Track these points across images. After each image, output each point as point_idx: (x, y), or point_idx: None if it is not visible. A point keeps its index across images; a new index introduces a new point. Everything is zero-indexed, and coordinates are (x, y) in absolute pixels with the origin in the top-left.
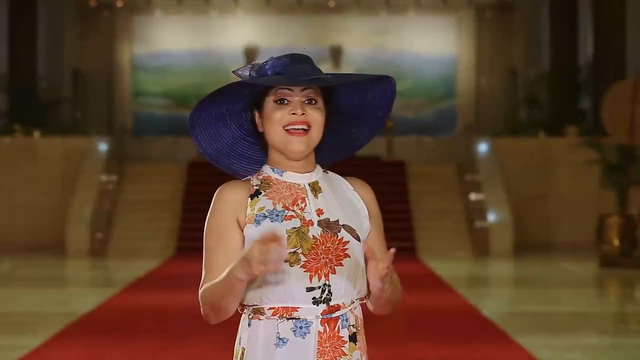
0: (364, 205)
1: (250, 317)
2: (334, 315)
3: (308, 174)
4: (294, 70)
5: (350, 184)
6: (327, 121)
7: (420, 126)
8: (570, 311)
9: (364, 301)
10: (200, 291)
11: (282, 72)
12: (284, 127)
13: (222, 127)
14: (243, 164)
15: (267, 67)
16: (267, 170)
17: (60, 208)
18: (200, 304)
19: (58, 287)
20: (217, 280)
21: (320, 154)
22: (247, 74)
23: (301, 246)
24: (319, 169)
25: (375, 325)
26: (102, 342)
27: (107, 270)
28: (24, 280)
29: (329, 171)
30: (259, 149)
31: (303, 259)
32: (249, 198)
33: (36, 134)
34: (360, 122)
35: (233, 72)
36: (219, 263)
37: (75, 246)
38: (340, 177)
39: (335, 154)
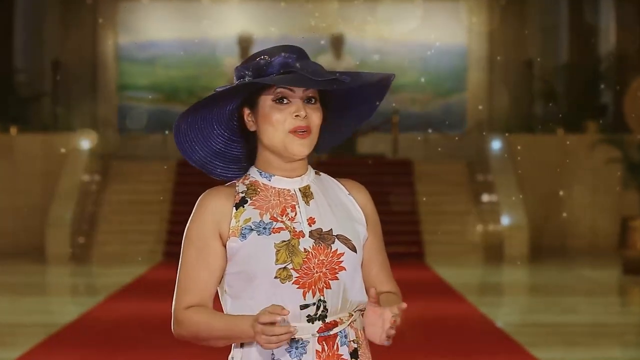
0: (360, 211)
1: None
2: (331, 332)
3: (299, 178)
4: (303, 66)
5: (345, 186)
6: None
7: (428, 122)
8: (590, 322)
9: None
10: (181, 314)
11: (291, 70)
12: (288, 130)
13: (208, 129)
14: (226, 165)
15: (272, 63)
16: (254, 173)
17: (39, 210)
18: (177, 326)
19: (37, 295)
20: (213, 321)
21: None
22: (243, 74)
23: (291, 261)
24: (310, 171)
25: None
26: (85, 354)
27: (90, 276)
28: (0, 288)
29: (321, 173)
30: (241, 148)
31: (295, 274)
32: (234, 207)
33: (14, 130)
34: (348, 112)
35: (234, 68)
36: (199, 282)
37: (55, 251)
38: (333, 179)
39: (321, 145)
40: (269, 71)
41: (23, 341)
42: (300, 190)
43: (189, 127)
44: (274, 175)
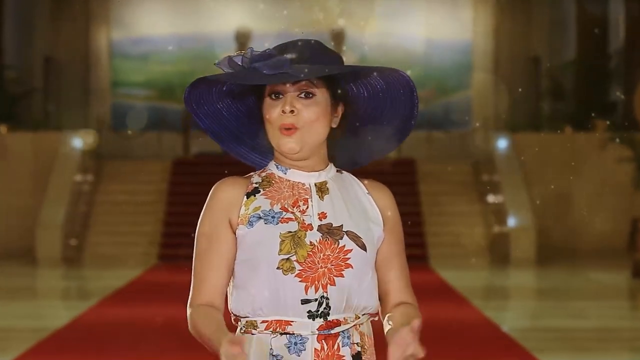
0: (378, 211)
1: (242, 331)
2: (332, 331)
3: (316, 173)
4: (269, 62)
5: (365, 186)
6: (345, 116)
7: (432, 120)
8: (599, 326)
9: (375, 318)
10: (189, 311)
11: (255, 67)
12: (277, 127)
13: (232, 106)
14: (246, 149)
15: (240, 60)
16: (271, 166)
17: (30, 210)
18: (188, 321)
19: (27, 299)
20: (203, 325)
21: (340, 155)
22: (226, 66)
23: (295, 252)
24: (331, 168)
25: (382, 341)
26: None
27: (82, 280)
28: None
29: (344, 171)
30: (264, 139)
31: (298, 267)
32: (245, 196)
33: (3, 129)
34: (378, 127)
35: (215, 64)
36: (208, 272)
37: (46, 253)
38: (354, 178)
39: (356, 158)
40: (237, 68)
41: (13, 346)
42: (316, 185)
43: (204, 101)
44: (290, 169)
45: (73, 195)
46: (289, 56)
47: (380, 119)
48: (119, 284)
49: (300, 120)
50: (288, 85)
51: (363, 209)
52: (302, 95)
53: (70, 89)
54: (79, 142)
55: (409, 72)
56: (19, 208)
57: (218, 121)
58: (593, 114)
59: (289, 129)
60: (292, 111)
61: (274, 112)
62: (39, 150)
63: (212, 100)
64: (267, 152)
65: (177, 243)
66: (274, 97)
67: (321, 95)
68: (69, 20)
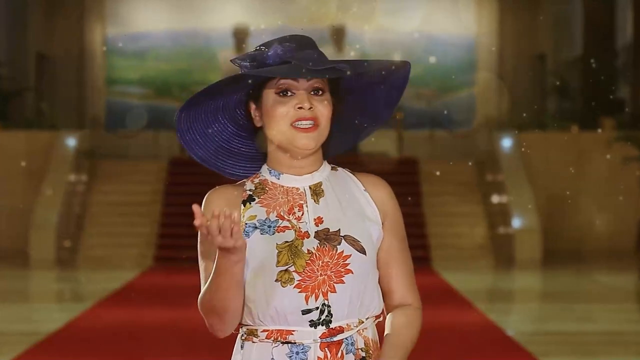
0: (376, 209)
1: (243, 338)
2: (335, 338)
3: (309, 175)
4: (302, 56)
5: (362, 182)
6: (334, 109)
7: (434, 119)
8: (605, 330)
9: (380, 318)
10: (198, 304)
11: (289, 61)
12: (290, 123)
13: (213, 123)
14: (235, 162)
15: (269, 54)
16: (264, 171)
17: (23, 211)
18: (204, 317)
19: (20, 302)
20: (205, 286)
21: (325, 144)
22: (247, 63)
23: (294, 263)
24: (325, 166)
25: None
26: None
27: (77, 282)
28: None
29: (338, 168)
30: (253, 145)
31: (297, 277)
32: (242, 204)
33: None
34: (365, 110)
35: (231, 61)
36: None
37: (39, 255)
38: (350, 174)
39: (338, 144)
40: (266, 63)
41: (5, 351)
42: (310, 188)
43: (192, 121)
44: (283, 174)
45: (67, 195)
46: (311, 51)
47: (361, 107)
48: (114, 286)
49: (317, 114)
50: (300, 82)
51: (360, 208)
52: (312, 92)
53: (64, 86)
54: (73, 141)
55: (411, 70)
56: (11, 209)
57: (204, 138)
58: (599, 113)
59: (309, 125)
60: (310, 108)
61: (285, 109)
62: (32, 149)
63: (200, 116)
64: (246, 162)
65: (173, 245)
66: (282, 95)
67: (327, 91)
68: (63, 16)
